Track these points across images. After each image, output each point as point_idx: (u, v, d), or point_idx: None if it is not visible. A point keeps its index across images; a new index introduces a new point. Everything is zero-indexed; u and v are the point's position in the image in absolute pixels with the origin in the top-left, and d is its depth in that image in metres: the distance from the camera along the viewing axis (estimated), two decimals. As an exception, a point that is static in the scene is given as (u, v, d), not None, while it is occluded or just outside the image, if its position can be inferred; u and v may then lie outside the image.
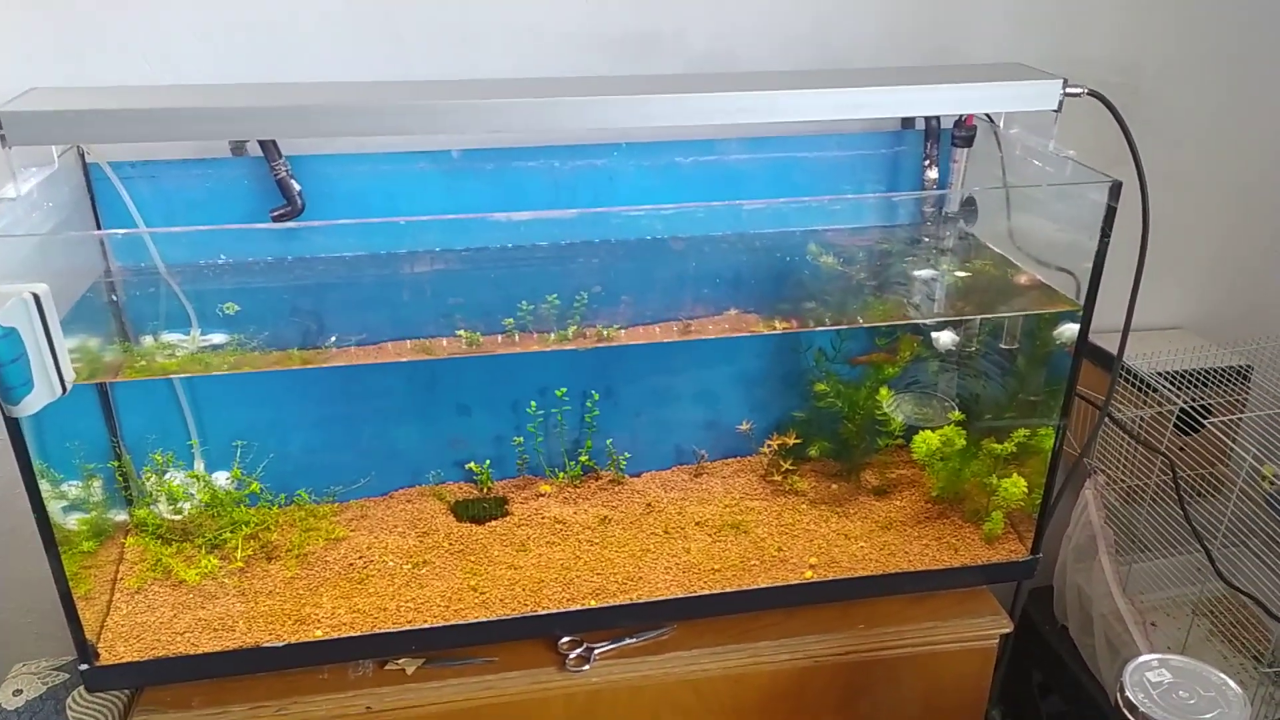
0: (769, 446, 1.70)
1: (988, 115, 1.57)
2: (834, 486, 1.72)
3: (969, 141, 1.58)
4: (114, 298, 1.50)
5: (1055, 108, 1.38)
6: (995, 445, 1.59)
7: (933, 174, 1.63)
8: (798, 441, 1.69)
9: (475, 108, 1.27)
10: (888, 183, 1.68)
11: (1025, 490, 1.57)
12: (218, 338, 1.45)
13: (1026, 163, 1.52)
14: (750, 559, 1.55)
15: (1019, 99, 1.39)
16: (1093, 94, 1.37)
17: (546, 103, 1.27)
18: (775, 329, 1.51)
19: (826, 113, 1.35)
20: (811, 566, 1.55)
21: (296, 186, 1.45)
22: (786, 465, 1.70)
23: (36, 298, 1.10)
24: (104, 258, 1.48)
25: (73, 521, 1.42)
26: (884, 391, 1.65)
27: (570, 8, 1.49)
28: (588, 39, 1.51)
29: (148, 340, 1.45)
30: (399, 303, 1.57)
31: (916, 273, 1.66)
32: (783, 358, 1.74)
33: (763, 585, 1.51)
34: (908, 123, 1.65)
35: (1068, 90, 1.36)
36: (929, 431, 1.59)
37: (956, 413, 1.64)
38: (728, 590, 1.50)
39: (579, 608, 1.45)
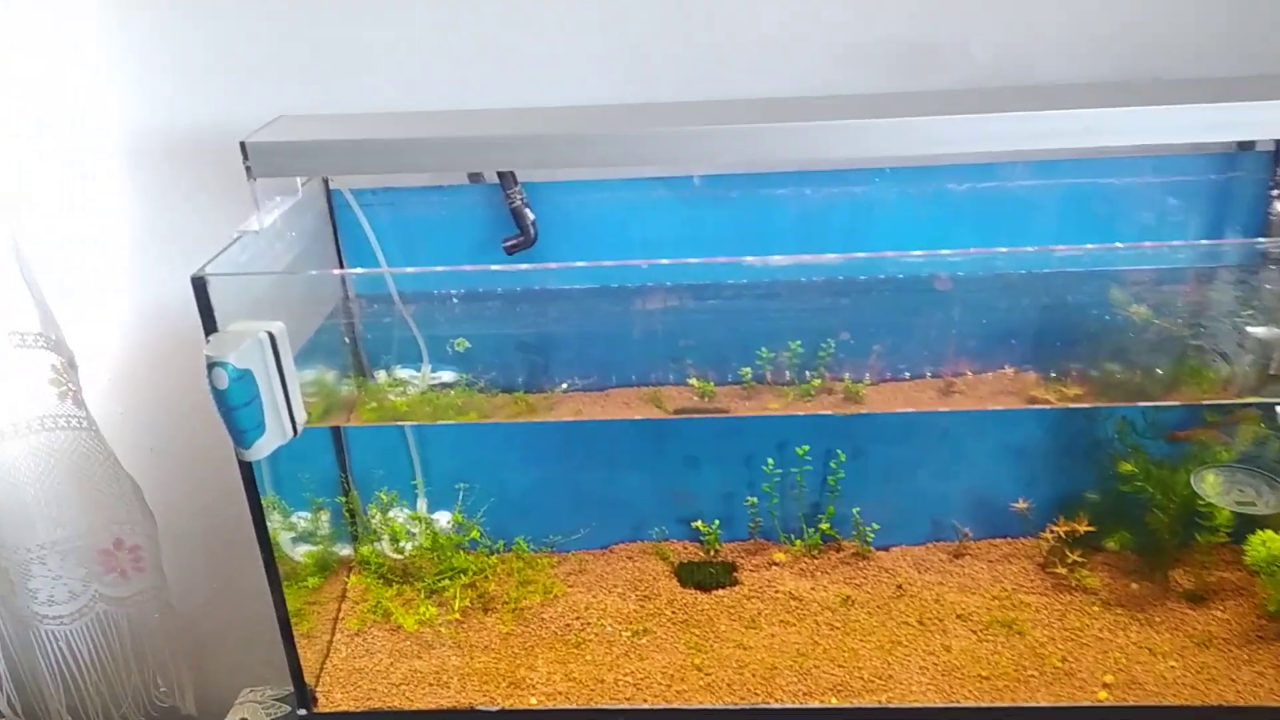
0: (1052, 531, 1.42)
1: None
2: (1134, 586, 1.41)
3: (1337, 165, 1.25)
4: (350, 330, 1.49)
5: None
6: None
7: (1282, 205, 1.30)
8: (1090, 530, 1.40)
9: (721, 134, 1.13)
10: (1215, 215, 1.37)
11: None
12: (447, 375, 1.40)
13: None
14: (1026, 667, 1.29)
15: None
16: None
17: (798, 128, 1.11)
18: (1066, 399, 1.25)
19: (1155, 135, 1.09)
20: (1106, 686, 1.26)
21: (530, 216, 1.37)
22: (1074, 556, 1.41)
23: (272, 337, 1.06)
24: (343, 286, 1.47)
25: (299, 554, 1.39)
26: (1210, 478, 1.32)
27: (832, 18, 1.32)
28: (853, 53, 1.33)
29: (380, 375, 1.42)
30: (629, 343, 1.45)
31: (1256, 330, 1.33)
32: (1071, 423, 1.46)
33: (1043, 704, 1.24)
34: (1245, 144, 1.34)
35: None
36: (1270, 532, 1.26)
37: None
38: (999, 705, 1.24)
39: (818, 705, 1.25)
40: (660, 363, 1.41)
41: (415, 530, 1.46)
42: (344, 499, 1.49)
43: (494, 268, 1.37)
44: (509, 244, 1.39)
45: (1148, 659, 1.29)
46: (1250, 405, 1.34)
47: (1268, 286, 1.35)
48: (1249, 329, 1.34)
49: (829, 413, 1.32)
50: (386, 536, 1.45)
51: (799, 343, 1.36)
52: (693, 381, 1.34)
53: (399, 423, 1.44)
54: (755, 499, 1.50)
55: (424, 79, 1.38)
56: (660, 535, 1.55)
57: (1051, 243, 1.39)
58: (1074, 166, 1.35)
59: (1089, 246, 1.35)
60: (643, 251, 1.42)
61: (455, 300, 1.45)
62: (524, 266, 1.38)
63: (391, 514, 1.47)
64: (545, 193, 1.38)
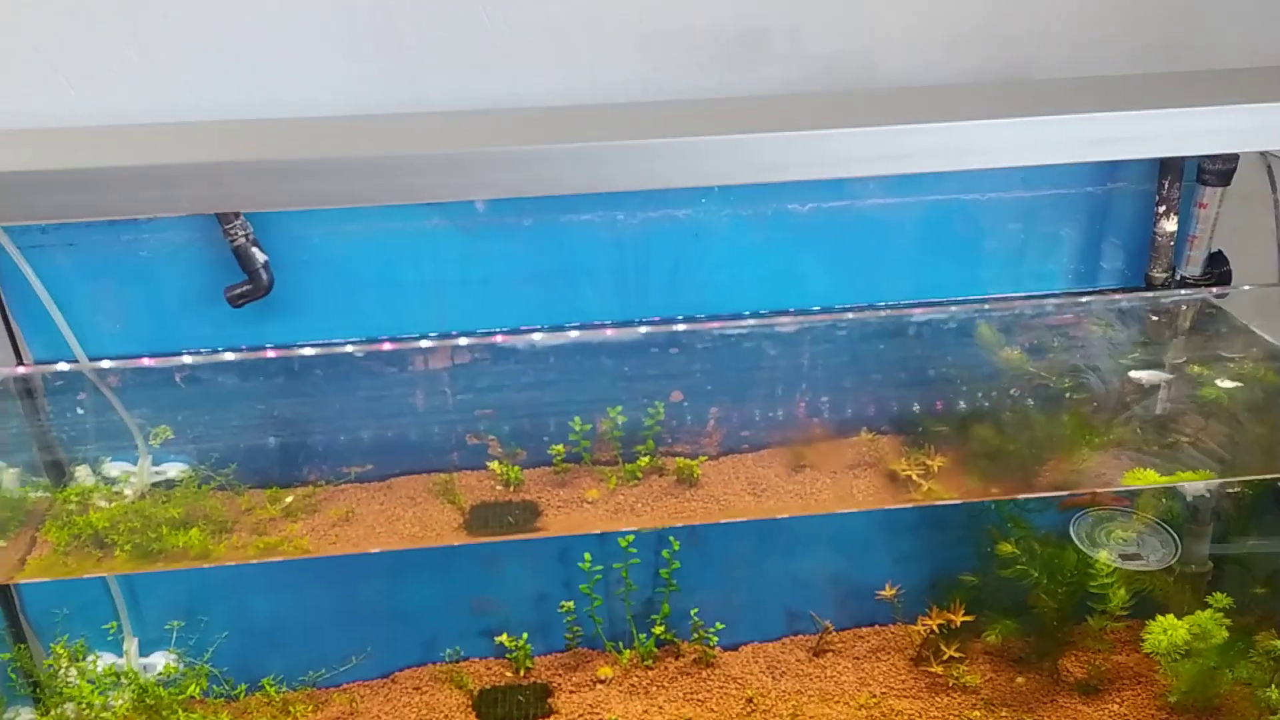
0: (924, 625, 1.19)
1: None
2: (1019, 680, 1.19)
3: (1226, 179, 1.09)
4: (31, 412, 1.12)
5: None
6: (1277, 642, 1.07)
7: (1170, 224, 1.13)
8: (967, 619, 1.17)
9: (502, 158, 0.83)
10: (1094, 232, 1.19)
11: None
12: (173, 469, 1.06)
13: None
14: (910, 801, 1.04)
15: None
16: None
17: (604, 149, 0.82)
18: (927, 477, 1.03)
19: (1041, 153, 0.87)
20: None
21: (260, 257, 1.04)
22: (950, 651, 1.18)
23: None
24: (15, 352, 1.10)
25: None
26: (1103, 557, 1.12)
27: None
28: (662, 42, 1.07)
29: (81, 472, 1.06)
30: (415, 419, 1.14)
31: (1140, 375, 1.15)
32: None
33: None
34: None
35: None
36: (1171, 618, 1.07)
37: (1173, 554, 1.11)
38: None
39: None
40: (455, 442, 1.12)
41: (117, 684, 1.08)
42: (13, 654, 1.09)
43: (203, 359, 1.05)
44: (235, 293, 1.05)
45: (1047, 775, 1.07)
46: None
47: (1154, 317, 1.18)
48: (1131, 373, 1.17)
49: (645, 528, 1.06)
50: (72, 700, 1.05)
51: (620, 409, 1.09)
52: (494, 465, 1.06)
53: (104, 574, 1.06)
54: (572, 602, 1.20)
55: (116, 79, 1.01)
56: (455, 655, 1.23)
57: (911, 265, 1.18)
58: (934, 181, 1.14)
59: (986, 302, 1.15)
60: (417, 295, 1.12)
61: (181, 370, 1.12)
62: (246, 355, 1.05)
63: (87, 664, 1.08)
64: (280, 225, 1.06)
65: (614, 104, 1.07)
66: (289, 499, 1.04)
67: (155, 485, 1.08)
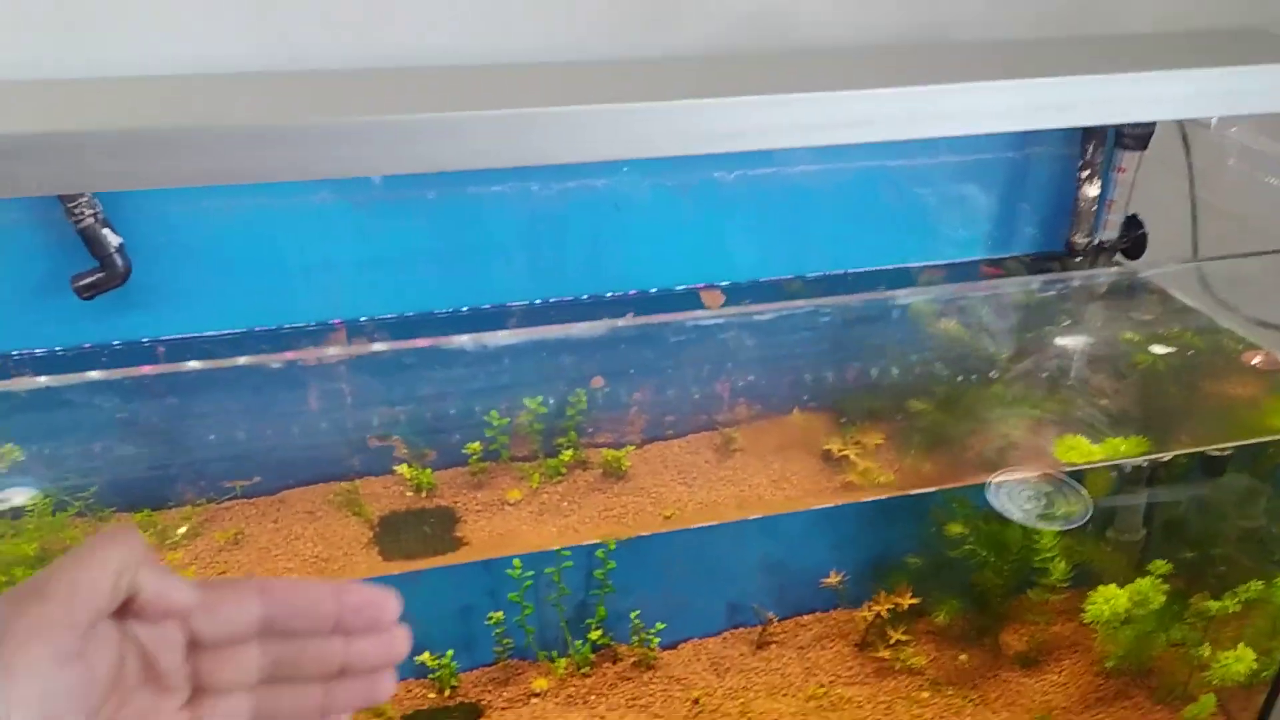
0: (870, 609, 1.14)
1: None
2: (963, 657, 1.16)
3: (1144, 142, 1.07)
4: None
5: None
6: (1211, 603, 1.06)
7: (1093, 189, 1.10)
8: (914, 601, 1.12)
9: (390, 128, 0.71)
10: (1014, 200, 1.16)
11: (1254, 665, 1.04)
12: (19, 495, 0.91)
13: (1251, 179, 1.01)
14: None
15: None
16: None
17: (509, 117, 0.72)
18: (864, 455, 0.99)
19: (977, 121, 0.82)
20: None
21: (114, 240, 0.89)
22: (897, 634, 1.14)
23: None
24: None
25: None
26: (1046, 530, 1.09)
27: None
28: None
29: None
30: (300, 417, 1.01)
31: (1065, 343, 1.13)
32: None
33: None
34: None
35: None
36: (1114, 587, 1.05)
37: (1085, 509, 1.10)
38: None
39: None
40: (356, 444, 0.99)
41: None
42: None
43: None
44: (84, 283, 0.89)
45: (998, 750, 1.04)
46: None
47: (1078, 284, 1.16)
48: (1057, 340, 1.15)
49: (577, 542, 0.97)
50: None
51: (540, 399, 0.99)
52: (402, 470, 0.94)
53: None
54: (501, 612, 1.09)
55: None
56: (370, 682, 1.10)
57: (839, 234, 1.12)
58: (861, 147, 1.07)
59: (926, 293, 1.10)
60: (303, 280, 0.98)
61: (21, 374, 0.96)
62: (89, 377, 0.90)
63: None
64: (136, 202, 0.91)
65: (518, 64, 0.96)
66: (182, 529, 0.90)
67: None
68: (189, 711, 0.37)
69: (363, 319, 1.02)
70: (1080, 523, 1.12)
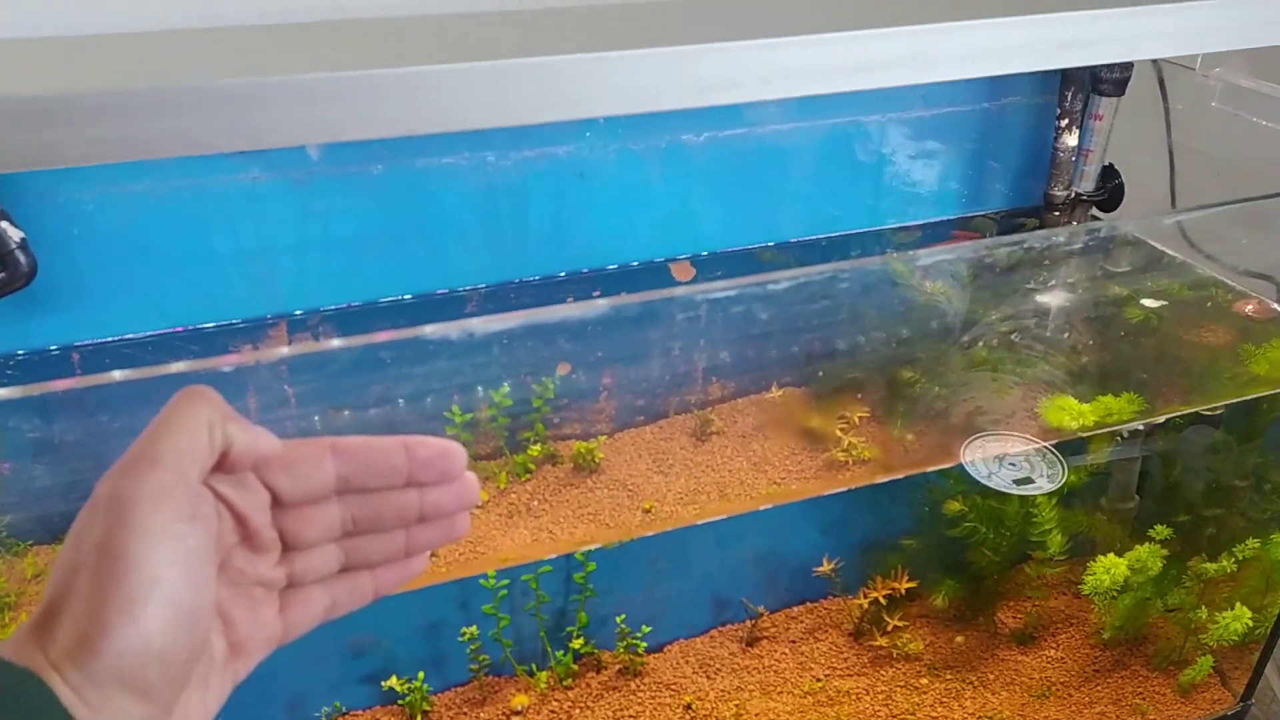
0: (866, 595, 1.07)
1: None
2: (959, 639, 1.11)
3: (1121, 87, 1.03)
4: None
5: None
6: (1208, 565, 1.03)
7: (1072, 139, 1.06)
8: (911, 585, 1.06)
9: (325, 87, 0.62)
10: (990, 153, 1.12)
11: (1249, 624, 1.02)
12: None
13: (1234, 120, 0.98)
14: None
15: None
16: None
17: (453, 71, 0.63)
18: (849, 430, 0.93)
19: (969, 64, 0.76)
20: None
21: (15, 235, 0.78)
22: (894, 621, 1.08)
23: None
24: None
25: None
26: (1043, 502, 1.04)
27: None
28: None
29: None
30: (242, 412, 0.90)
31: (1047, 300, 1.09)
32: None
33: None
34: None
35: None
36: (1112, 556, 1.01)
37: (1061, 472, 1.07)
38: None
39: None
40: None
41: None
42: None
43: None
44: (-20, 283, 0.78)
45: (1005, 732, 0.99)
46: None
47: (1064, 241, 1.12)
48: (1039, 298, 1.10)
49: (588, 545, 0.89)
50: None
51: (503, 390, 0.91)
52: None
53: None
54: (474, 626, 1.00)
55: None
56: (334, 713, 0.99)
57: (813, 197, 1.06)
58: (832, 103, 1.02)
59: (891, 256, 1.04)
60: (236, 270, 0.88)
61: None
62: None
63: None
64: (37, 189, 0.80)
65: (461, 13, 0.88)
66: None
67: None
68: (284, 568, 0.38)
69: (302, 312, 0.92)
70: (1057, 485, 1.08)
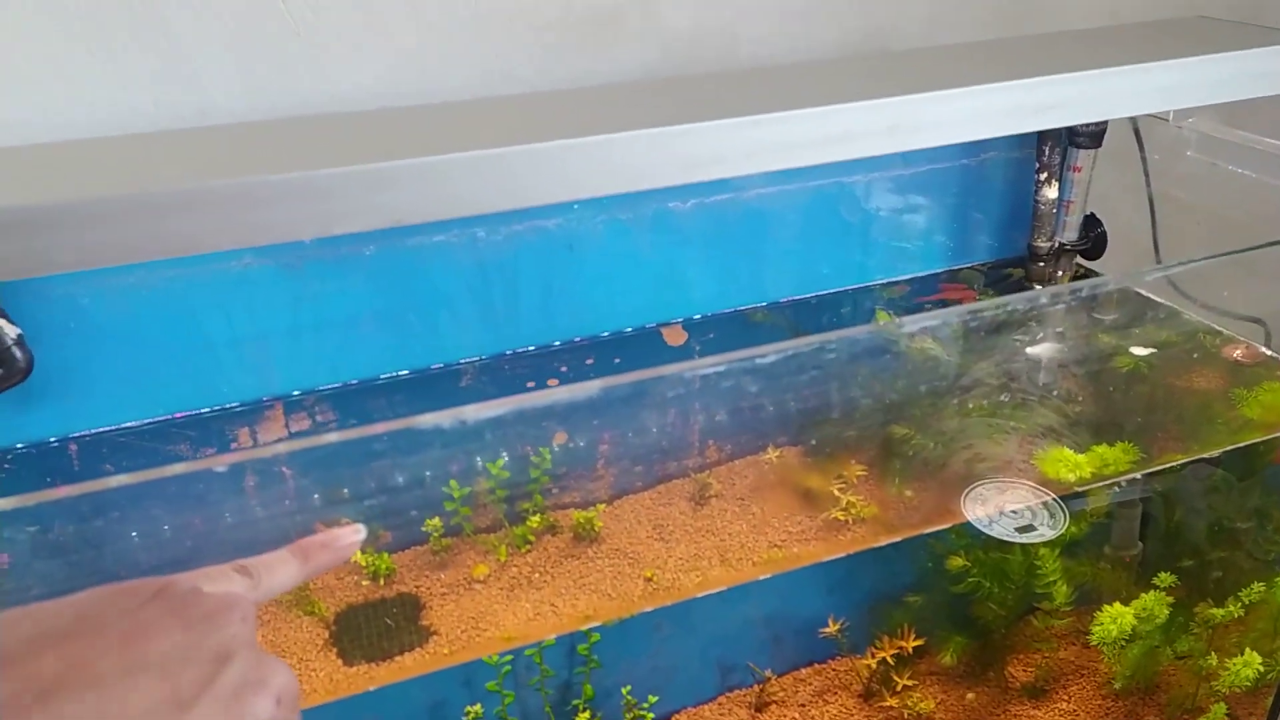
0: (873, 655, 1.07)
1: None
2: (970, 695, 1.10)
3: (1097, 140, 1.05)
4: None
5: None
6: (1214, 610, 1.03)
7: (1052, 191, 1.08)
8: (918, 643, 1.06)
9: (316, 185, 0.63)
10: (971, 208, 1.13)
11: (1260, 669, 1.01)
12: None
13: (1210, 169, 0.99)
14: None
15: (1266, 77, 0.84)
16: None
17: (448, 162, 0.65)
18: (847, 489, 0.94)
19: (953, 130, 0.78)
20: None
21: (12, 332, 0.78)
22: (904, 680, 1.06)
23: None
24: None
25: None
26: (1046, 553, 1.04)
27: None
28: (505, 23, 0.91)
29: None
30: (236, 505, 0.90)
31: (1038, 352, 1.09)
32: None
33: None
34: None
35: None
36: (1119, 606, 1.00)
37: (1062, 519, 1.06)
38: None
39: None
40: (299, 533, 0.89)
41: None
42: None
43: None
44: (-24, 380, 0.78)
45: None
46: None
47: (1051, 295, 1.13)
48: (1029, 350, 1.11)
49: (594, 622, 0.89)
50: None
51: (503, 460, 0.91)
52: (357, 557, 0.84)
53: None
54: (479, 705, 0.98)
55: None
56: (334, 802, 0.98)
57: (801, 257, 1.07)
58: (815, 166, 1.03)
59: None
60: (231, 356, 0.89)
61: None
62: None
63: None
64: (32, 286, 0.80)
65: (450, 103, 0.90)
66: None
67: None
68: None
69: (300, 392, 0.93)
70: (1059, 531, 1.07)
